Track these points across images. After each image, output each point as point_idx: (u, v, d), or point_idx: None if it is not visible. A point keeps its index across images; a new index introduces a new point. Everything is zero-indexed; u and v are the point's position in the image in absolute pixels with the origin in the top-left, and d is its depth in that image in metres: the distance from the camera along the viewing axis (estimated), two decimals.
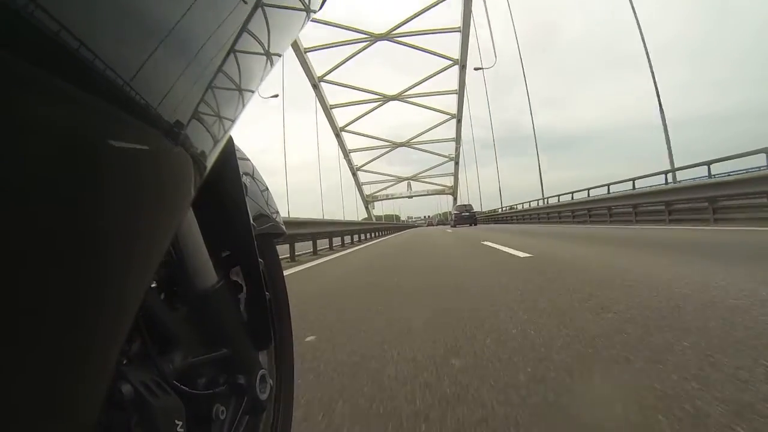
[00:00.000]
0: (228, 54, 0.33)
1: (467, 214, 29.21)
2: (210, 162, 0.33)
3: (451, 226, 28.76)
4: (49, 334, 0.20)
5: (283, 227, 0.75)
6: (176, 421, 0.37)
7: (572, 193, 15.28)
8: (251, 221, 0.53)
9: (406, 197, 67.48)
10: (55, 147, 0.19)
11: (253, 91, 0.39)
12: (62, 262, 0.20)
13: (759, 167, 7.04)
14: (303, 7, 0.48)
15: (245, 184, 0.55)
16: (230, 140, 0.49)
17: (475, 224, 27.57)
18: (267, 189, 0.71)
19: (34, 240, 0.19)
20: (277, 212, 0.73)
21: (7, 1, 0.17)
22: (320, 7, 0.54)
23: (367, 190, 60.73)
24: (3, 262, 0.18)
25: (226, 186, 0.49)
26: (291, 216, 8.79)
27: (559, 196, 17.30)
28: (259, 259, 0.53)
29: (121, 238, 0.24)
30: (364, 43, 32.14)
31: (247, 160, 0.65)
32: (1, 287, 0.18)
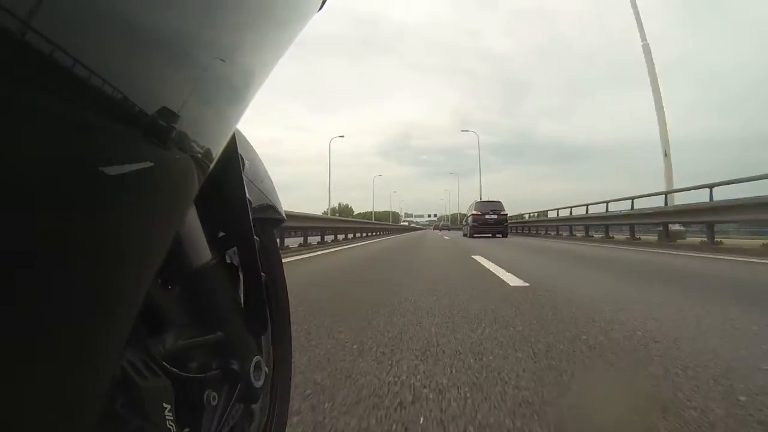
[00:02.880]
0: (230, 52, 0.33)
1: (494, 217, 17.23)
2: (214, 161, 0.32)
3: (465, 235, 18.12)
4: (51, 334, 0.20)
5: (283, 214, 0.73)
6: (164, 405, 0.35)
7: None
8: (249, 204, 0.51)
9: None
10: (59, 148, 0.20)
11: (256, 89, 0.39)
12: (64, 261, 0.20)
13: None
14: (304, 6, 0.47)
15: (244, 166, 0.54)
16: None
17: (505, 235, 16.66)
18: (267, 174, 0.70)
19: (38, 239, 0.19)
20: (277, 198, 0.72)
21: (8, 5, 0.17)
22: (320, 7, 0.54)
23: None
24: (8, 262, 0.18)
25: (225, 171, 0.47)
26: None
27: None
28: (256, 240, 0.51)
29: (125, 239, 0.24)
30: None
31: (248, 144, 0.63)
32: (6, 287, 0.18)
